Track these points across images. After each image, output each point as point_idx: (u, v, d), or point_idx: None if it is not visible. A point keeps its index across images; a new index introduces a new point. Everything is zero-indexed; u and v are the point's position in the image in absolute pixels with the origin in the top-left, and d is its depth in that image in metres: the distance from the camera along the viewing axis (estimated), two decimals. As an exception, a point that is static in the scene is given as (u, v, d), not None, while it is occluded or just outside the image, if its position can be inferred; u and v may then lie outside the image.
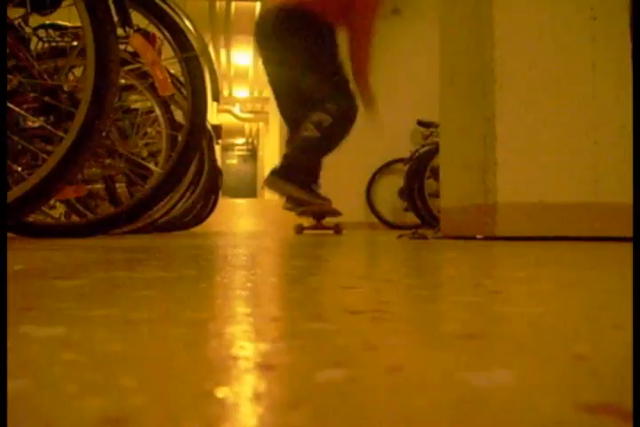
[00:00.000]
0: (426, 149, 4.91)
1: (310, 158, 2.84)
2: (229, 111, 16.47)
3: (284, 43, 2.61)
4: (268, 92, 15.34)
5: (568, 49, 2.34)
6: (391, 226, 5.68)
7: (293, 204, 3.00)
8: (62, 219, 3.26)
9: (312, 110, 2.67)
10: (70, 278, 0.70)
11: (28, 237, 2.17)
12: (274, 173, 2.88)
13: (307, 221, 3.28)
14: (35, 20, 2.09)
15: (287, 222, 4.81)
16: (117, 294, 0.56)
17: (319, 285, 0.67)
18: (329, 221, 3.21)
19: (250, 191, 21.90)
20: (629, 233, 2.10)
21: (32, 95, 1.86)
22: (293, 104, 2.84)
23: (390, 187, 5.72)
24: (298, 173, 2.84)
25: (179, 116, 2.87)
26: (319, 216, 3.10)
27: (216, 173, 4.27)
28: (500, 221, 2.27)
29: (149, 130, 3.07)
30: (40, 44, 2.36)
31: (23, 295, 0.55)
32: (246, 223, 7.55)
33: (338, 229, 3.21)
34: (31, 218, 2.31)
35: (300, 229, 3.27)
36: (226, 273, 0.77)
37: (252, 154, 24.07)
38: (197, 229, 4.66)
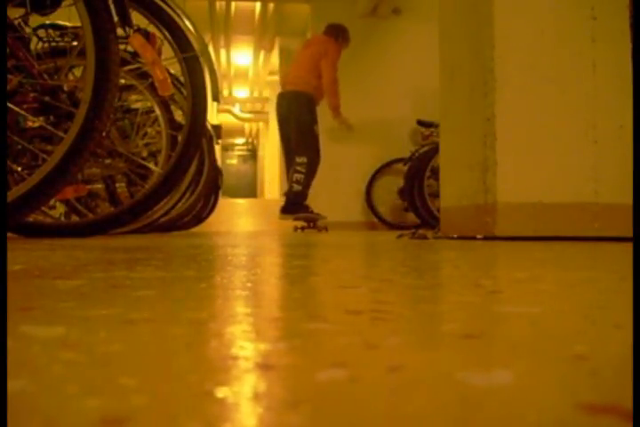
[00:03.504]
0: (426, 148, 4.91)
1: (301, 201, 4.67)
2: (229, 111, 16.45)
3: (296, 112, 4.61)
4: (267, 92, 15.34)
5: (568, 49, 2.34)
6: (391, 226, 5.68)
7: (291, 215, 4.75)
8: (62, 219, 3.26)
9: (296, 157, 4.63)
10: (70, 278, 0.70)
11: (28, 237, 2.17)
12: (283, 211, 4.71)
13: (299, 224, 4.78)
14: (35, 20, 2.09)
15: (287, 223, 4.82)
16: (117, 294, 0.56)
17: (319, 285, 0.67)
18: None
19: (250, 191, 21.88)
20: (629, 233, 2.10)
21: (32, 95, 1.86)
22: (288, 146, 4.80)
23: (390, 187, 5.72)
24: (297, 207, 4.66)
25: (179, 116, 2.87)
26: (310, 221, 4.79)
27: (216, 173, 4.27)
28: (499, 221, 2.27)
29: (149, 130, 3.07)
30: (40, 44, 2.36)
31: (23, 295, 0.55)
32: (246, 223, 7.55)
33: (325, 229, 4.72)
34: (31, 218, 2.31)
35: (296, 229, 4.78)
36: (226, 273, 0.77)
37: (252, 154, 24.05)
38: (197, 228, 4.66)
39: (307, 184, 4.62)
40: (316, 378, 0.26)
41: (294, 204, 4.65)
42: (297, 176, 4.57)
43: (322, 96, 4.69)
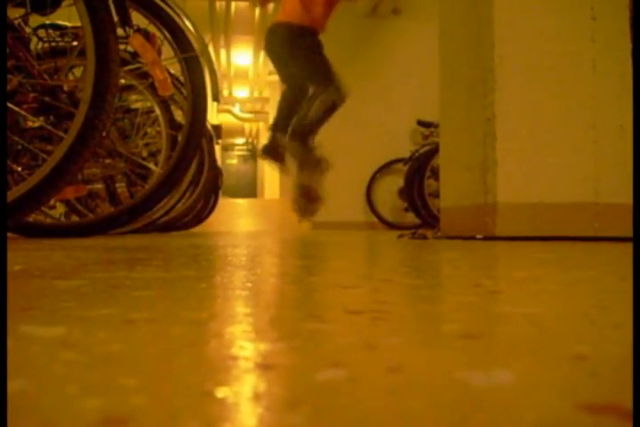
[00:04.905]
0: (426, 148, 4.92)
1: (320, 122, 3.77)
2: (229, 111, 16.45)
3: (294, 47, 3.76)
4: (267, 92, 15.35)
5: (568, 49, 2.34)
6: (391, 226, 5.68)
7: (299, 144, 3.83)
8: (62, 219, 3.26)
9: (319, 87, 3.69)
10: (70, 278, 0.70)
11: (28, 237, 2.17)
12: (292, 136, 3.76)
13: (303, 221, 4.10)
14: (35, 20, 2.09)
15: (287, 222, 4.81)
16: (117, 294, 0.56)
17: (319, 285, 0.67)
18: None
19: (250, 191, 21.89)
20: (629, 233, 2.10)
21: (32, 95, 1.86)
22: (301, 80, 3.84)
23: (390, 187, 5.72)
24: (306, 135, 3.76)
25: (179, 116, 2.87)
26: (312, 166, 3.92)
27: (216, 173, 4.27)
28: (500, 221, 2.27)
29: (149, 130, 3.07)
30: (40, 44, 2.36)
31: (23, 295, 0.55)
32: (246, 223, 7.55)
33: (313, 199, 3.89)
34: (31, 218, 2.31)
35: (300, 222, 4.07)
36: (226, 273, 0.77)
37: (252, 154, 24.04)
38: (197, 229, 4.66)
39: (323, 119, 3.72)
40: (316, 378, 0.26)
41: (306, 131, 3.73)
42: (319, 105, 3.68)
43: None
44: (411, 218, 5.15)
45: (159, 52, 2.14)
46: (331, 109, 3.73)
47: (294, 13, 3.76)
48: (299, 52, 3.75)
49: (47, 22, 2.36)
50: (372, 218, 5.83)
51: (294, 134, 3.74)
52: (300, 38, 3.74)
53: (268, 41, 3.89)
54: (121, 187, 3.21)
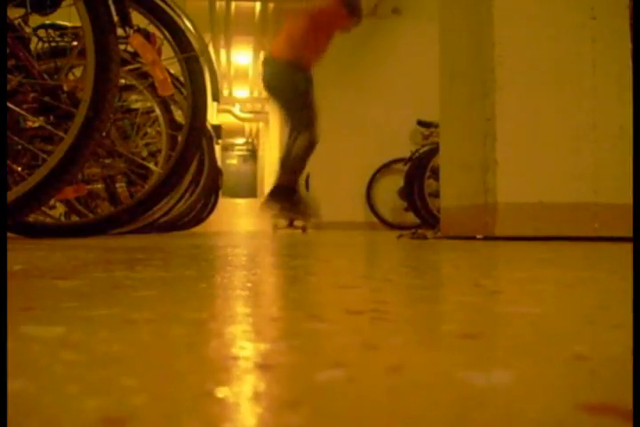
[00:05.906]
0: (426, 148, 4.91)
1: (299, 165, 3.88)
2: (229, 111, 16.44)
3: (288, 81, 3.83)
4: (267, 92, 15.32)
5: (568, 49, 2.34)
6: (391, 226, 5.68)
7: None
8: (62, 219, 3.26)
9: (298, 128, 3.81)
10: (70, 278, 0.70)
11: (28, 237, 2.17)
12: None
13: (280, 223, 4.26)
14: (35, 20, 2.09)
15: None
16: (117, 294, 0.56)
17: (319, 285, 0.67)
18: (298, 223, 4.22)
19: (250, 191, 21.87)
20: (629, 233, 2.10)
21: (32, 95, 1.86)
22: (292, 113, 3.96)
23: (390, 187, 5.72)
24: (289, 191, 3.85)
25: (179, 116, 2.87)
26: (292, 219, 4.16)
27: (216, 173, 4.27)
28: (499, 221, 2.27)
29: (149, 130, 3.07)
30: (40, 44, 2.36)
31: (23, 295, 0.55)
32: (246, 223, 7.54)
33: (304, 229, 4.14)
34: (31, 218, 2.30)
35: (275, 229, 4.23)
36: (226, 273, 0.77)
37: (252, 154, 24.05)
38: (197, 229, 4.66)
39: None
40: (316, 378, 0.26)
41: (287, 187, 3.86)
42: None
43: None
44: (411, 218, 5.15)
45: (159, 52, 2.14)
46: (307, 152, 3.78)
47: (279, 49, 3.84)
48: (285, 90, 3.82)
49: (47, 22, 2.35)
50: (372, 218, 5.83)
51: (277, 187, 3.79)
52: (287, 75, 3.79)
53: (264, 74, 3.95)
54: (121, 187, 3.21)
